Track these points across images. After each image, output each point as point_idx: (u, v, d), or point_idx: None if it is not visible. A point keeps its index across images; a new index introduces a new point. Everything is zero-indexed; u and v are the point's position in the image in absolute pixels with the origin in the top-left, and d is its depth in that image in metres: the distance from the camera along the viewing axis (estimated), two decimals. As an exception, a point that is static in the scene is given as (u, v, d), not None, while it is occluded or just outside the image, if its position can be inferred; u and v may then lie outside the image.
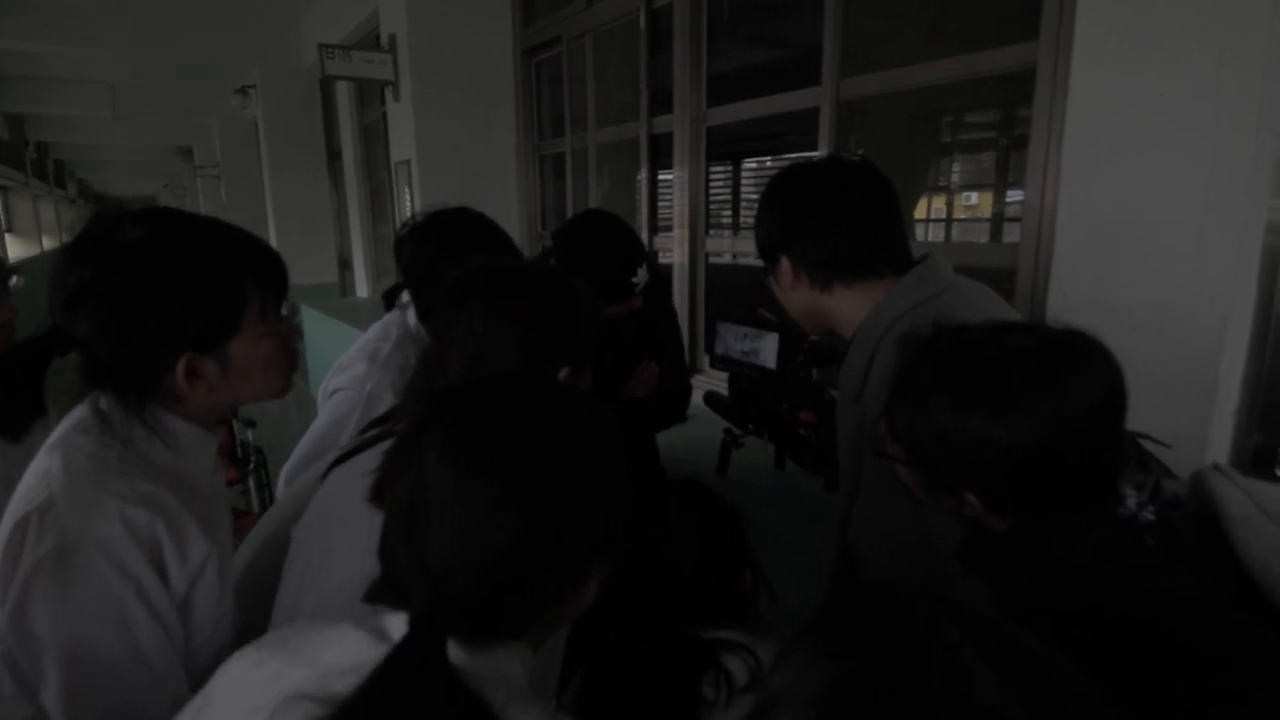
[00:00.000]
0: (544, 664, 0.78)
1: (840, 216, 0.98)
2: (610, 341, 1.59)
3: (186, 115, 9.68)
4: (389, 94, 3.64)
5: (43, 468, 0.75)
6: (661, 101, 2.75)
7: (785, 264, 1.03)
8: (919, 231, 2.32)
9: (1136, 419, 0.71)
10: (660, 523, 0.91)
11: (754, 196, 2.73)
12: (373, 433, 1.05)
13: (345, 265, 6.87)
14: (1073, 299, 1.54)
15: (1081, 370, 0.64)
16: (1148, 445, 0.78)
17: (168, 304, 0.77)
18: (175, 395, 0.81)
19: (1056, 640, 0.35)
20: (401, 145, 3.72)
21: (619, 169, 3.17)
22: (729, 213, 2.98)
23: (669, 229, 2.74)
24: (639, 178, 2.90)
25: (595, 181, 3.25)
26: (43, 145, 13.72)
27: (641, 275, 1.58)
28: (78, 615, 0.71)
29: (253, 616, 0.97)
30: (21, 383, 0.76)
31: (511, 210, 3.79)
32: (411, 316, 1.50)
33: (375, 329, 1.53)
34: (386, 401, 1.36)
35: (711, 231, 2.66)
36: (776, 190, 1.05)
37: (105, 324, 0.75)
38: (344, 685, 0.49)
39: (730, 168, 2.96)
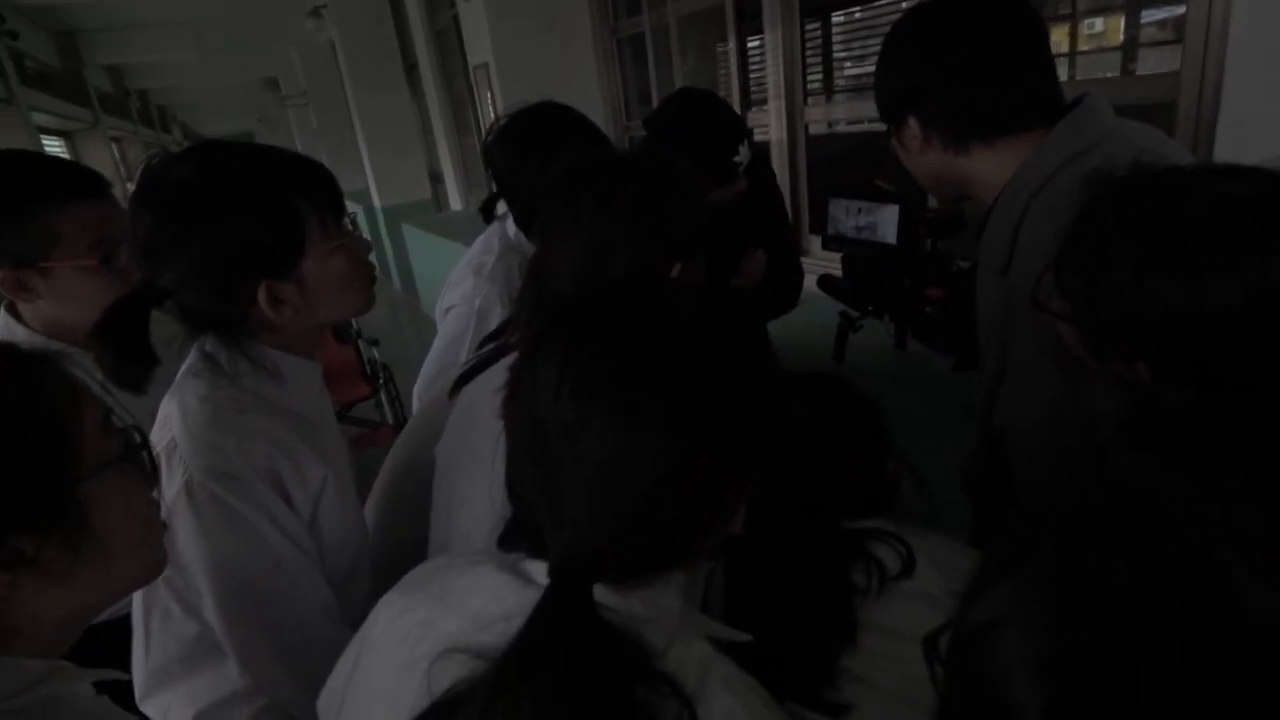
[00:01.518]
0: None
1: (975, 65, 0.86)
2: (718, 225, 1.53)
3: (267, 46, 9.82)
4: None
5: (164, 414, 0.81)
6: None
7: (913, 125, 0.92)
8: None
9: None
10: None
11: (844, 55, 2.49)
12: (489, 348, 1.06)
13: (436, 180, 6.95)
14: (1248, 127, 1.33)
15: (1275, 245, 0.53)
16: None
17: (230, 237, 0.78)
18: (266, 325, 0.84)
19: None
20: (478, 48, 3.62)
21: (703, 43, 2.96)
22: (819, 77, 2.75)
23: (762, 103, 2.56)
24: (725, 49, 2.71)
25: (679, 60, 3.06)
26: (143, 93, 14.37)
27: (744, 153, 1.48)
28: (217, 543, 0.77)
29: (399, 534, 1.03)
30: (129, 338, 0.79)
31: (595, 102, 3.66)
32: (511, 226, 1.48)
33: (478, 243, 1.52)
34: (498, 315, 1.37)
35: (810, 100, 2.46)
36: (899, 38, 0.92)
37: (180, 269, 0.77)
38: (495, 635, 0.48)
39: (819, 24, 2.70)
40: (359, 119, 7.05)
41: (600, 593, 0.48)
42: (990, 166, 0.89)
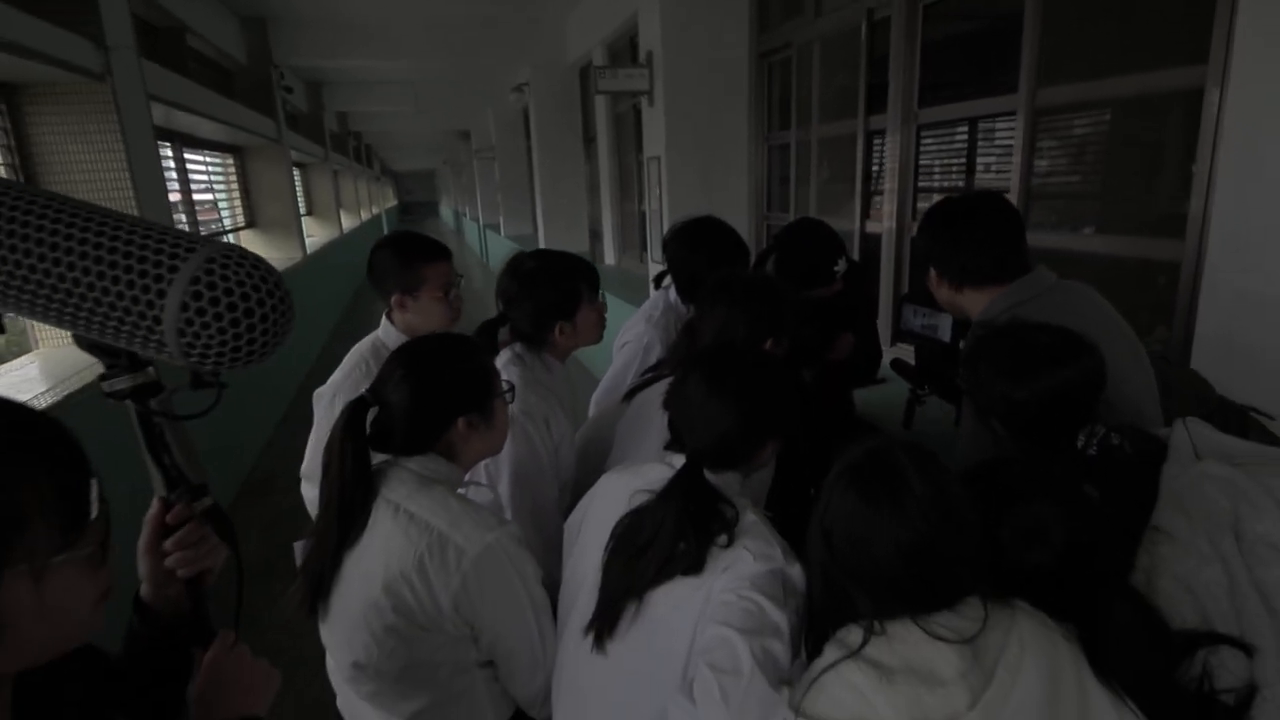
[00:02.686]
0: (756, 487, 1.39)
1: (969, 242, 1.44)
2: (817, 316, 2.15)
3: (469, 107, 11.43)
4: (644, 100, 4.37)
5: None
6: (877, 100, 3.15)
7: (933, 272, 1.52)
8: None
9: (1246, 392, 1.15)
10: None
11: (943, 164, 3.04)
12: (649, 375, 1.74)
13: (595, 237, 7.93)
14: (1219, 290, 1.80)
15: (1072, 362, 1.09)
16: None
17: (550, 297, 1.51)
18: (551, 345, 1.57)
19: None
20: (653, 143, 4.44)
21: (836, 160, 3.60)
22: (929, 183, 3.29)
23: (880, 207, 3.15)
24: (855, 168, 3.33)
25: (816, 170, 3.71)
26: (359, 134, 16.73)
27: (841, 265, 2.09)
28: (517, 447, 1.46)
29: (583, 478, 1.70)
30: (487, 340, 1.53)
31: (743, 193, 4.37)
32: (673, 294, 2.15)
33: (650, 301, 2.21)
34: (657, 352, 2.04)
35: (919, 201, 3.03)
36: (929, 220, 1.52)
37: (522, 310, 1.51)
38: (656, 485, 1.10)
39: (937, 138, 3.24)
40: (539, 178, 8.18)
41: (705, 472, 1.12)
42: (973, 303, 1.46)
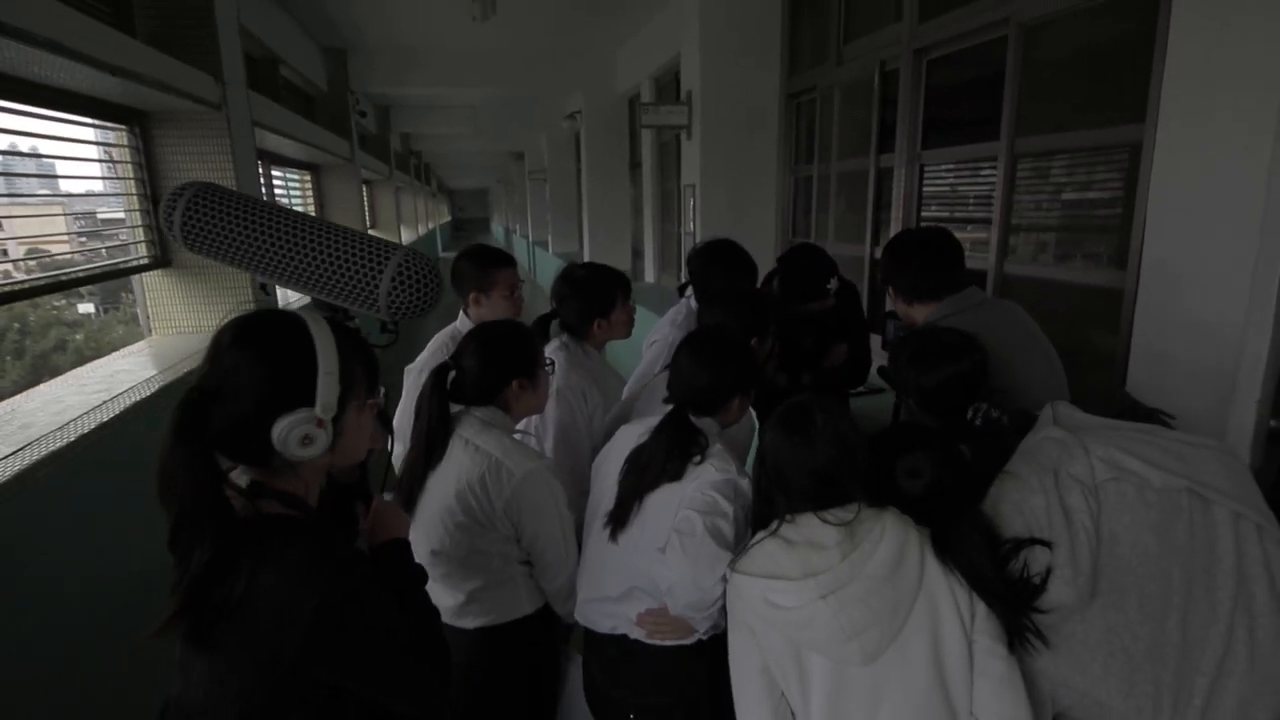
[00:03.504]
0: (738, 438, 1.79)
1: (917, 266, 1.82)
2: (814, 327, 2.54)
3: (523, 129, 12.10)
4: (683, 134, 4.83)
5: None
6: (887, 140, 3.53)
7: (890, 289, 1.90)
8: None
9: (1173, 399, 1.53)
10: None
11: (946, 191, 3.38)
12: (667, 368, 2.15)
13: (637, 255, 8.40)
14: (1152, 313, 2.13)
15: (964, 357, 1.47)
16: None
17: (592, 298, 1.94)
18: (591, 336, 1.99)
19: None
20: (690, 172, 4.89)
21: (852, 191, 3.98)
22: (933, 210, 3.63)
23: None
24: (867, 200, 3.71)
25: (834, 200, 4.10)
26: (419, 154, 17.64)
27: (834, 283, 2.48)
28: (561, 414, 1.89)
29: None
30: (541, 329, 1.97)
31: (770, 219, 4.77)
32: (693, 301, 2.56)
33: (674, 308, 2.62)
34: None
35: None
36: (889, 247, 1.91)
37: (570, 308, 1.95)
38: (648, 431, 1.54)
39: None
40: (587, 199, 8.71)
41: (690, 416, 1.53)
42: (920, 314, 1.84)
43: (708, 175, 4.66)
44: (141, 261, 3.83)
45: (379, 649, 0.90)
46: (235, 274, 4.04)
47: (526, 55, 7.74)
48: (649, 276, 7.40)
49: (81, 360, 3.61)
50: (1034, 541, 1.18)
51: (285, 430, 0.90)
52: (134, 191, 3.81)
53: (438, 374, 1.58)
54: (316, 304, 1.35)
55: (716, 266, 2.38)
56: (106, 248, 3.78)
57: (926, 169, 3.34)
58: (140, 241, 3.84)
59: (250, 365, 0.90)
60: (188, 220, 1.28)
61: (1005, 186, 2.76)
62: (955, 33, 3.01)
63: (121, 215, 3.87)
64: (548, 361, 1.70)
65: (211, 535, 0.83)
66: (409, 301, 1.27)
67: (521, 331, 1.67)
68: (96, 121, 3.55)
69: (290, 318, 0.96)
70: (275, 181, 6.40)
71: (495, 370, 1.60)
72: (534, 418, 1.92)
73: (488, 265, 2.20)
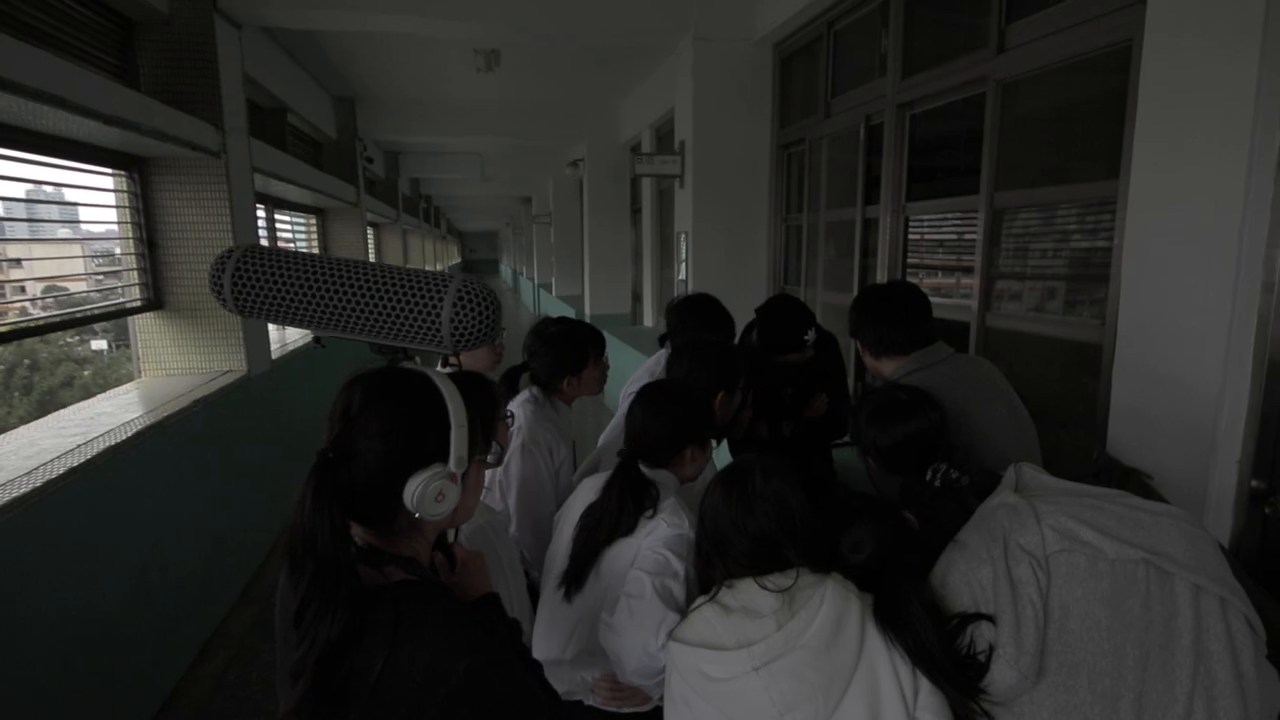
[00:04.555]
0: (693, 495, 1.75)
1: (884, 321, 1.81)
2: (793, 379, 2.52)
3: (530, 175, 12.31)
4: (677, 183, 4.88)
5: (518, 417, 1.93)
6: (872, 191, 3.55)
7: (857, 343, 1.88)
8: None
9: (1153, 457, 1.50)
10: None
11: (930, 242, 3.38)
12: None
13: (636, 299, 8.45)
14: (1130, 368, 2.10)
15: (920, 416, 1.45)
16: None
17: (564, 355, 1.93)
18: (560, 391, 1.96)
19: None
20: (682, 218, 4.93)
21: (840, 239, 3.99)
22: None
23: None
24: (854, 248, 3.72)
25: (823, 248, 4.11)
26: (429, 197, 17.95)
27: (811, 335, 2.46)
28: (525, 469, 1.86)
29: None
30: (511, 382, 1.96)
31: (762, 266, 4.79)
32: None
33: (654, 358, 2.61)
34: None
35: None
36: (856, 302, 1.90)
37: (541, 363, 1.93)
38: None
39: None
40: (588, 243, 8.80)
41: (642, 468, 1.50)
42: (887, 368, 1.82)
43: (700, 223, 4.69)
44: (134, 304, 3.87)
45: (523, 712, 0.86)
46: (227, 318, 4.08)
47: (530, 105, 7.92)
48: (648, 320, 7.42)
49: (88, 397, 3.63)
50: (979, 617, 1.13)
51: (420, 488, 0.89)
52: (130, 235, 3.88)
53: None
54: (374, 349, 1.29)
55: (692, 319, 2.37)
56: (101, 290, 3.83)
57: (911, 219, 3.35)
58: (134, 284, 3.89)
59: (385, 424, 0.89)
60: (238, 285, 1.23)
61: (986, 240, 2.76)
62: (936, 89, 3.05)
63: (117, 256, 3.93)
64: (507, 415, 1.68)
65: (345, 604, 0.80)
66: (472, 328, 1.18)
67: (476, 384, 1.66)
68: (95, 168, 3.62)
69: (416, 374, 0.96)
70: (280, 226, 6.50)
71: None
72: (497, 471, 1.90)
73: None
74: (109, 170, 3.71)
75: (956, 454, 1.47)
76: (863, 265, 3.68)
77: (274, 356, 4.60)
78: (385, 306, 1.19)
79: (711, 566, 1.21)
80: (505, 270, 32.91)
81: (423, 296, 1.18)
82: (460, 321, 1.17)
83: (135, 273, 3.90)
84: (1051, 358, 2.56)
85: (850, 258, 3.78)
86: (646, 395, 1.56)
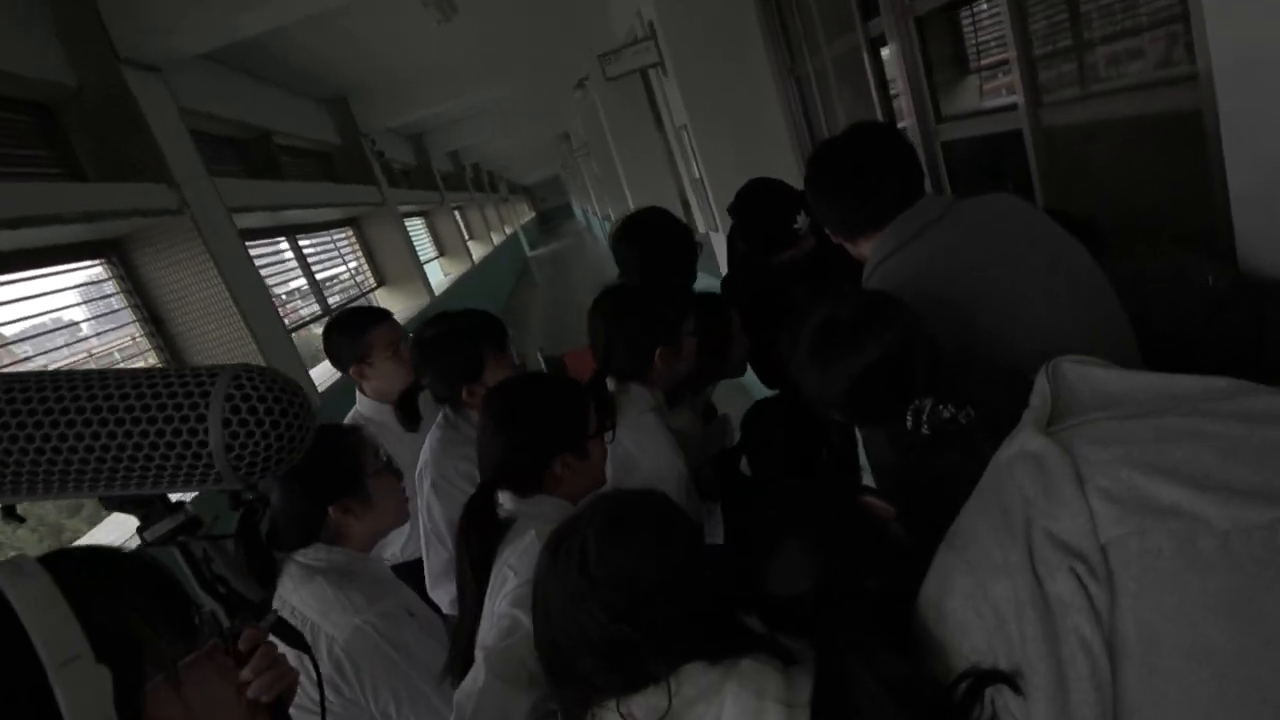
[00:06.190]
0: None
1: (845, 192, 1.27)
2: (801, 279, 1.99)
3: (555, 111, 11.69)
4: (660, 73, 4.23)
5: (426, 443, 1.57)
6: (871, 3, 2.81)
7: (828, 229, 1.36)
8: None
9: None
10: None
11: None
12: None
13: (685, 205, 7.81)
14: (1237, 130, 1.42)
15: (870, 339, 0.94)
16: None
17: (451, 363, 1.53)
18: (468, 405, 1.58)
19: None
20: (678, 112, 4.29)
21: (852, 75, 3.27)
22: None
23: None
24: (868, 80, 3.02)
25: (837, 95, 3.40)
26: (476, 165, 17.70)
27: (802, 220, 1.91)
28: (445, 508, 1.51)
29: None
30: (409, 412, 1.60)
31: (780, 135, 4.09)
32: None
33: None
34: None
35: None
36: (808, 172, 1.35)
37: (430, 378, 1.54)
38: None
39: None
40: (619, 163, 8.22)
41: (508, 499, 1.13)
42: (865, 252, 1.29)
43: (696, 110, 4.05)
44: (162, 383, 3.84)
45: None
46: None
47: (512, 39, 7.29)
48: (700, 226, 6.82)
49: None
50: (997, 677, 0.67)
51: None
52: (134, 318, 3.82)
53: (246, 518, 1.25)
54: (109, 505, 0.83)
55: (635, 248, 1.89)
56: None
57: (926, 26, 2.61)
58: (157, 362, 3.86)
59: None
60: None
61: (1014, 14, 2.04)
62: None
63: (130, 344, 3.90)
64: (380, 457, 1.32)
65: None
66: (266, 444, 0.77)
67: (326, 438, 1.30)
68: (74, 265, 3.56)
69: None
70: (308, 249, 6.42)
71: (307, 500, 1.25)
72: (406, 531, 1.58)
73: (355, 331, 1.86)
74: (87, 263, 3.64)
75: (943, 375, 0.95)
76: (883, 98, 2.98)
77: (320, 389, 4.52)
78: (101, 441, 0.74)
79: (562, 687, 0.80)
80: (577, 211, 32.50)
81: (173, 412, 0.75)
82: (241, 433, 0.75)
83: (153, 351, 3.86)
84: (1137, 150, 1.86)
85: (867, 95, 3.08)
86: (491, 403, 1.23)
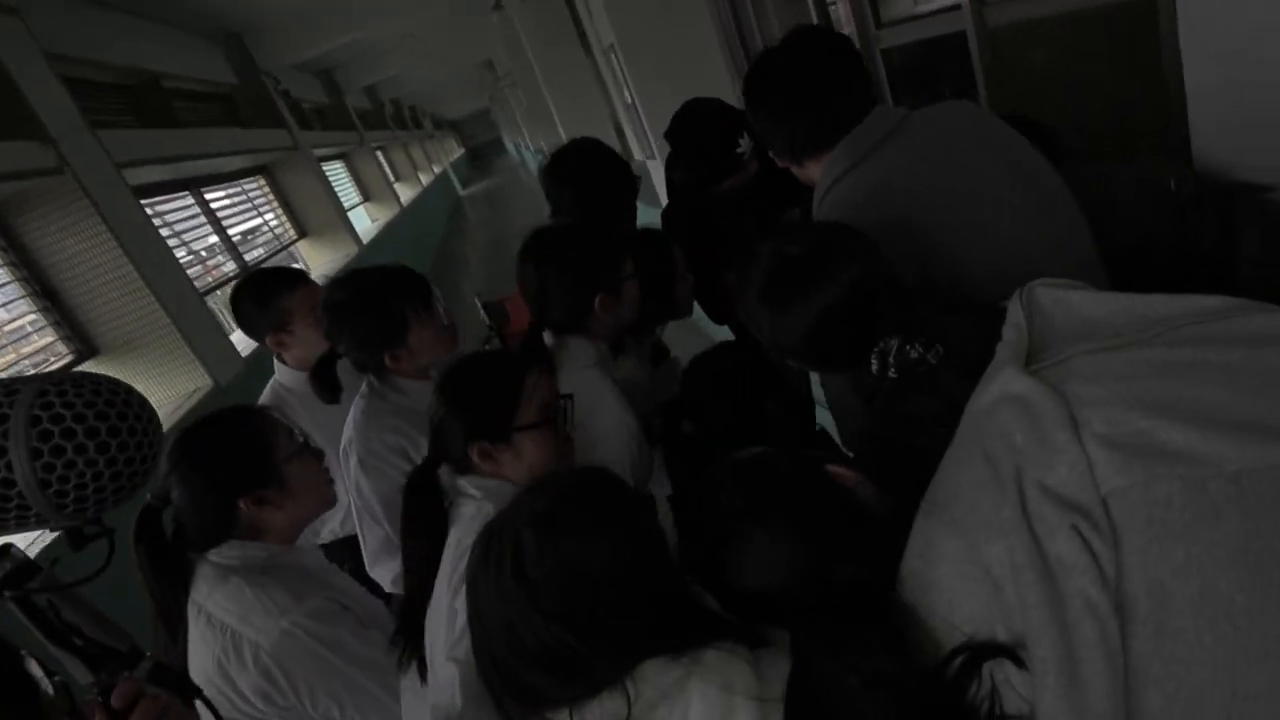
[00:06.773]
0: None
1: (788, 110, 1.14)
2: (749, 205, 1.87)
3: (473, 37, 11.01)
4: (580, -13, 3.93)
5: (350, 416, 1.43)
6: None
7: (772, 152, 1.23)
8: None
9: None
10: None
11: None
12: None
13: (620, 133, 7.51)
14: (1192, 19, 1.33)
15: (828, 277, 0.84)
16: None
17: (367, 327, 1.39)
18: (394, 372, 1.43)
19: None
20: (604, 30, 4.02)
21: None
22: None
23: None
24: (805, -11, 2.83)
25: (772, 6, 3.20)
26: (396, 101, 16.74)
27: (745, 143, 1.77)
28: (375, 484, 1.39)
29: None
30: (327, 383, 1.44)
31: (714, 51, 3.87)
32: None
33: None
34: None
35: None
36: (746, 94, 1.22)
37: (345, 345, 1.38)
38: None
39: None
40: (546, 90, 7.81)
41: (457, 479, 1.04)
42: (813, 175, 1.17)
43: (623, 28, 3.79)
44: (67, 359, 3.55)
45: None
46: (169, 340, 3.71)
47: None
48: (637, 153, 6.57)
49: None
50: (997, 650, 0.60)
51: None
52: (26, 291, 3.49)
53: (143, 520, 1.11)
54: None
55: (567, 185, 1.73)
56: (28, 359, 3.51)
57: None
58: (55, 339, 3.56)
59: None
60: None
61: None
62: None
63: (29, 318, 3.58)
64: (295, 438, 1.18)
65: None
66: (94, 471, 0.63)
67: (237, 426, 1.15)
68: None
69: None
70: (218, 203, 5.97)
71: (213, 496, 1.11)
72: (346, 504, 1.45)
73: (268, 297, 1.68)
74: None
75: (915, 312, 0.86)
76: (819, 5, 2.81)
77: (244, 354, 4.25)
78: None
79: (508, 698, 0.71)
80: (509, 145, 31.27)
81: None
82: (57, 464, 0.62)
83: (51, 328, 3.55)
84: (1089, 49, 1.77)
85: (803, 2, 2.90)
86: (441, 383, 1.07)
